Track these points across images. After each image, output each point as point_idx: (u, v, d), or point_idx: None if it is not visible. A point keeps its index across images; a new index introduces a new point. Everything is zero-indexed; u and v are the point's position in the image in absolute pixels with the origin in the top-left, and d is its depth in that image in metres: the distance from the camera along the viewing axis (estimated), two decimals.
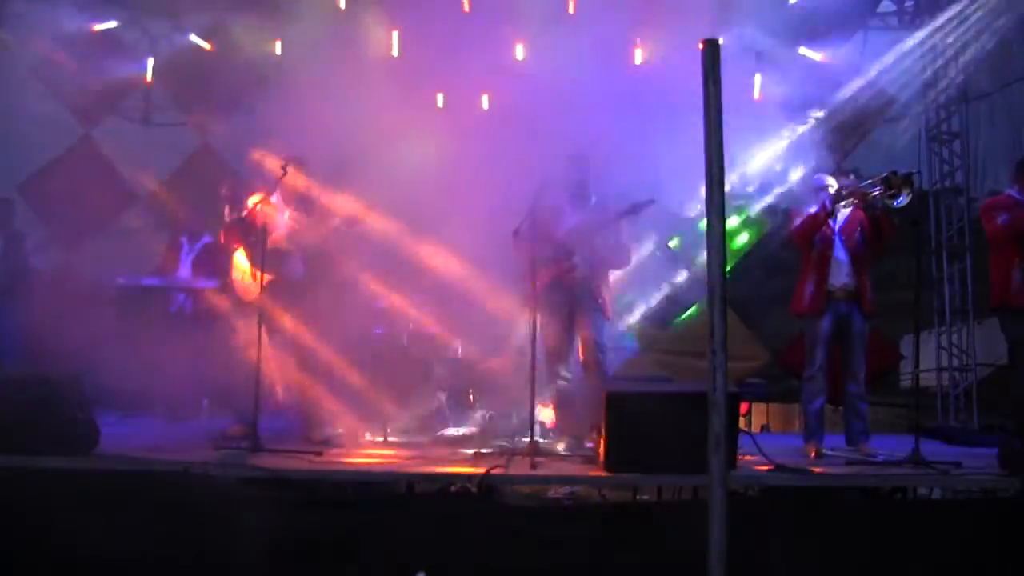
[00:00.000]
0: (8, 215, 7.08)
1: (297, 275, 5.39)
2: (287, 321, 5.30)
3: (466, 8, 7.46)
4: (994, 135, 7.85)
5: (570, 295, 5.31)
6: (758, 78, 7.69)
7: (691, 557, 2.55)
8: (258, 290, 5.16)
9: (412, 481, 4.53)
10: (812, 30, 7.64)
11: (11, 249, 6.86)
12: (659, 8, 6.92)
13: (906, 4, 8.25)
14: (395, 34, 7.58)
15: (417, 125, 6.53)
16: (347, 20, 7.40)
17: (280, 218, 5.46)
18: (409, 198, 6.03)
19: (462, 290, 6.72)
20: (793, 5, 7.54)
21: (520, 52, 7.60)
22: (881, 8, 8.19)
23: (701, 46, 2.34)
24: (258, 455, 4.56)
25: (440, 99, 7.53)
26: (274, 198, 5.45)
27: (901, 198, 4.94)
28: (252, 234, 5.32)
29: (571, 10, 7.42)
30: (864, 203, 5.18)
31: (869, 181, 5.17)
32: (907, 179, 4.95)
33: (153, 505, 3.87)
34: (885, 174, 5.03)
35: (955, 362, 7.96)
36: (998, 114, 7.85)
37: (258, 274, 5.16)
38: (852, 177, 5.50)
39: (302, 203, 5.47)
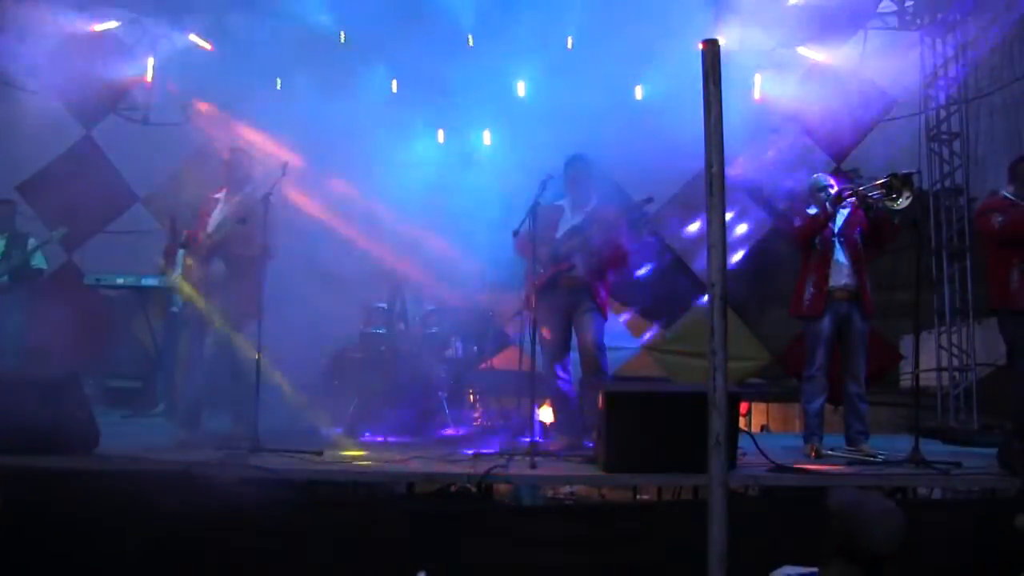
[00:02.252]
0: (10, 215, 7.10)
1: (219, 274, 5.33)
2: (218, 320, 5.27)
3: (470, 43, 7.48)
4: (994, 135, 7.84)
5: (569, 295, 5.31)
6: (758, 78, 7.70)
7: (691, 557, 2.55)
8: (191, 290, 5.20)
9: (412, 481, 4.53)
10: (812, 30, 7.64)
11: (14, 249, 6.88)
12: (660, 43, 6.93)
13: (906, 4, 8.24)
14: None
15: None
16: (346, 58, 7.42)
17: (216, 216, 5.45)
18: (411, 197, 6.06)
19: (462, 290, 6.75)
20: (793, 5, 7.54)
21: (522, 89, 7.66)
22: (881, 8, 8.18)
23: (701, 46, 2.35)
24: (258, 455, 4.55)
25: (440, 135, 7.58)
26: (219, 195, 5.46)
27: (902, 200, 4.93)
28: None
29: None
30: (864, 205, 5.17)
31: (870, 184, 5.16)
32: (907, 181, 4.94)
33: (153, 505, 3.87)
34: (886, 178, 5.02)
35: (955, 362, 7.95)
36: (998, 114, 7.84)
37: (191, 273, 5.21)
38: (853, 178, 5.50)
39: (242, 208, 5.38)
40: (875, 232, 5.22)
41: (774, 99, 7.68)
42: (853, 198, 5.20)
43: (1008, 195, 5.15)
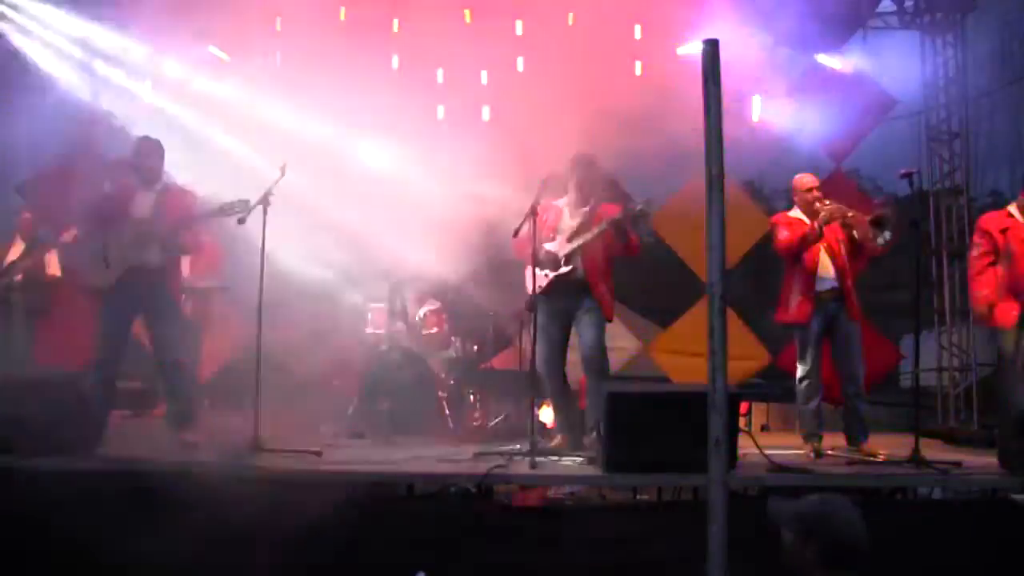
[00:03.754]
0: (32, 223, 7.18)
1: (155, 261, 5.10)
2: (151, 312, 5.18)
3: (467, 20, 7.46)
4: (994, 135, 7.86)
5: (569, 296, 5.31)
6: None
7: (691, 557, 2.55)
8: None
9: (412, 481, 4.53)
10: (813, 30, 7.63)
11: (33, 256, 6.93)
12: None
13: (906, 4, 8.25)
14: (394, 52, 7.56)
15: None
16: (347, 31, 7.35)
17: (140, 200, 5.25)
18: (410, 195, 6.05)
19: (462, 290, 6.75)
20: (793, 5, 7.54)
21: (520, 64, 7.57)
22: (881, 8, 8.18)
23: (701, 46, 2.35)
24: (258, 455, 4.55)
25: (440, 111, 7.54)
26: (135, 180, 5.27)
27: (881, 239, 5.00)
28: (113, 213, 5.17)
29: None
30: (848, 228, 5.22)
31: (857, 214, 5.20)
32: (889, 222, 4.98)
33: (153, 505, 3.87)
34: (877, 214, 5.05)
35: (955, 362, 7.97)
36: (998, 114, 7.86)
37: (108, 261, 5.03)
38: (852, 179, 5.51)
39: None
40: (855, 249, 5.29)
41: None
42: (839, 219, 5.23)
43: (1013, 212, 5.04)
